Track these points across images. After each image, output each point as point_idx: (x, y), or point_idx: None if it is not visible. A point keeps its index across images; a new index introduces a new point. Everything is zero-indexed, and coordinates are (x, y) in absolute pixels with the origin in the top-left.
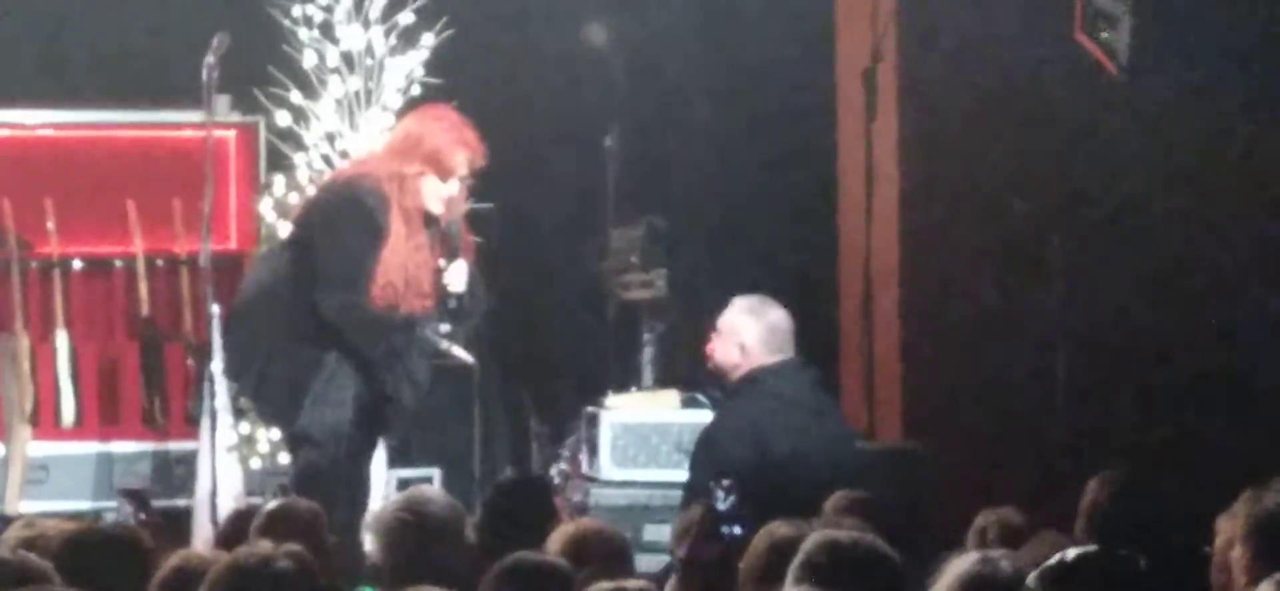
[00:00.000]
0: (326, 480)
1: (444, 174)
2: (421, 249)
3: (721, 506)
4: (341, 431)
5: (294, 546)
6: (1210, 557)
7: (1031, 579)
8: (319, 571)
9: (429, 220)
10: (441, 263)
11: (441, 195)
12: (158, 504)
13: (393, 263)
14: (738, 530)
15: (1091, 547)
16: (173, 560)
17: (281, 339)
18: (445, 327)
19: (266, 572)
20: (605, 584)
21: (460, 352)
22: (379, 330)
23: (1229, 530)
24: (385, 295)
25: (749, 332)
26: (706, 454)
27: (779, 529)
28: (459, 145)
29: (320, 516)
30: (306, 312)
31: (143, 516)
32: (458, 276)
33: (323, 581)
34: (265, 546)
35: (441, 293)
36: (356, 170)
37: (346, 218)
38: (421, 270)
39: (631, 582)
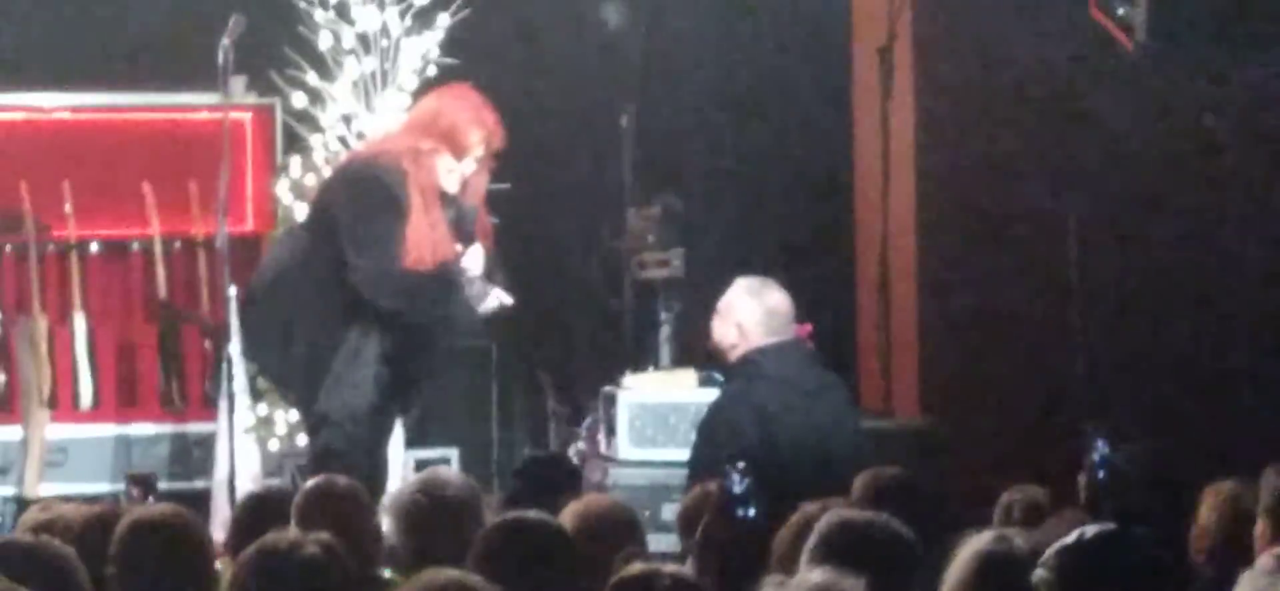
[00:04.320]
0: (345, 461)
1: (458, 151)
2: (440, 224)
3: (736, 489)
4: (360, 413)
5: (323, 534)
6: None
7: (1047, 555)
8: (357, 555)
9: (447, 200)
10: (458, 248)
11: (456, 173)
12: (176, 486)
13: (416, 239)
14: (752, 512)
15: (1108, 526)
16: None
17: (300, 320)
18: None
19: (294, 559)
20: (641, 566)
21: (499, 295)
22: (419, 291)
23: (1213, 500)
24: (414, 269)
25: (747, 313)
26: (710, 435)
27: (810, 509)
28: (474, 124)
29: (363, 496)
30: (325, 293)
31: (149, 500)
32: (474, 260)
33: (352, 567)
34: (293, 533)
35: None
36: (374, 149)
37: (369, 195)
38: (443, 244)
39: (668, 566)
